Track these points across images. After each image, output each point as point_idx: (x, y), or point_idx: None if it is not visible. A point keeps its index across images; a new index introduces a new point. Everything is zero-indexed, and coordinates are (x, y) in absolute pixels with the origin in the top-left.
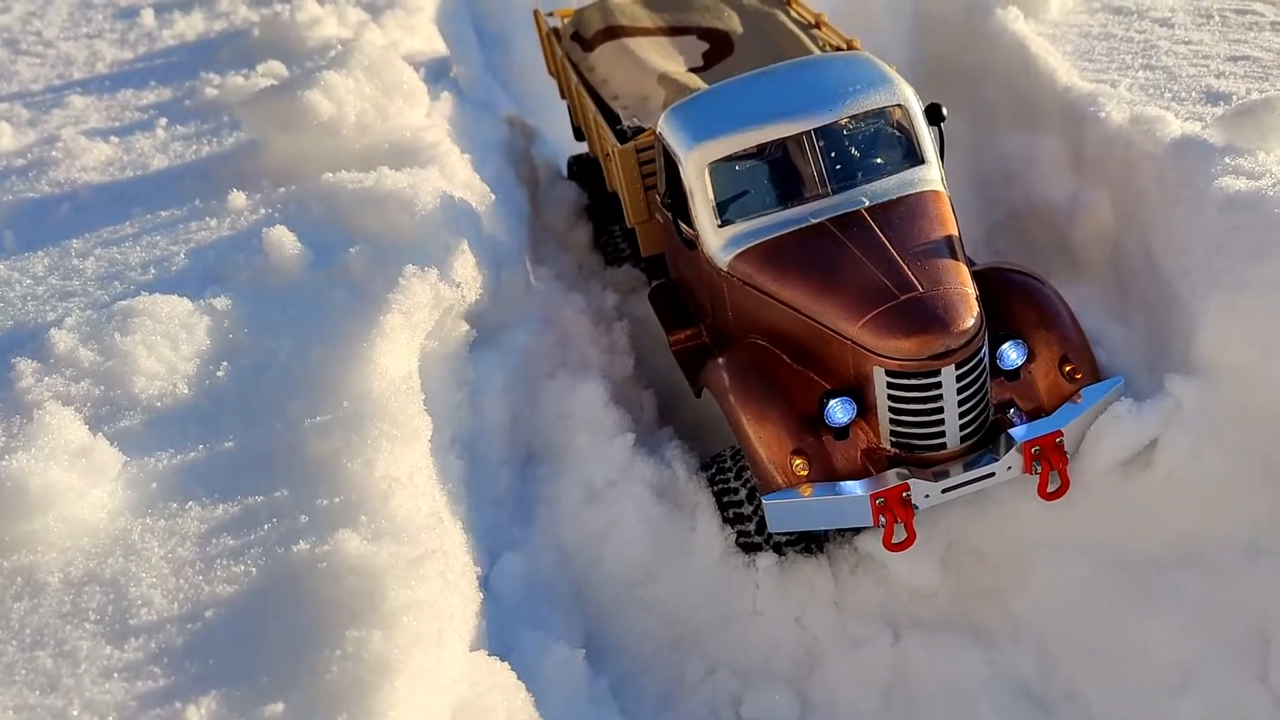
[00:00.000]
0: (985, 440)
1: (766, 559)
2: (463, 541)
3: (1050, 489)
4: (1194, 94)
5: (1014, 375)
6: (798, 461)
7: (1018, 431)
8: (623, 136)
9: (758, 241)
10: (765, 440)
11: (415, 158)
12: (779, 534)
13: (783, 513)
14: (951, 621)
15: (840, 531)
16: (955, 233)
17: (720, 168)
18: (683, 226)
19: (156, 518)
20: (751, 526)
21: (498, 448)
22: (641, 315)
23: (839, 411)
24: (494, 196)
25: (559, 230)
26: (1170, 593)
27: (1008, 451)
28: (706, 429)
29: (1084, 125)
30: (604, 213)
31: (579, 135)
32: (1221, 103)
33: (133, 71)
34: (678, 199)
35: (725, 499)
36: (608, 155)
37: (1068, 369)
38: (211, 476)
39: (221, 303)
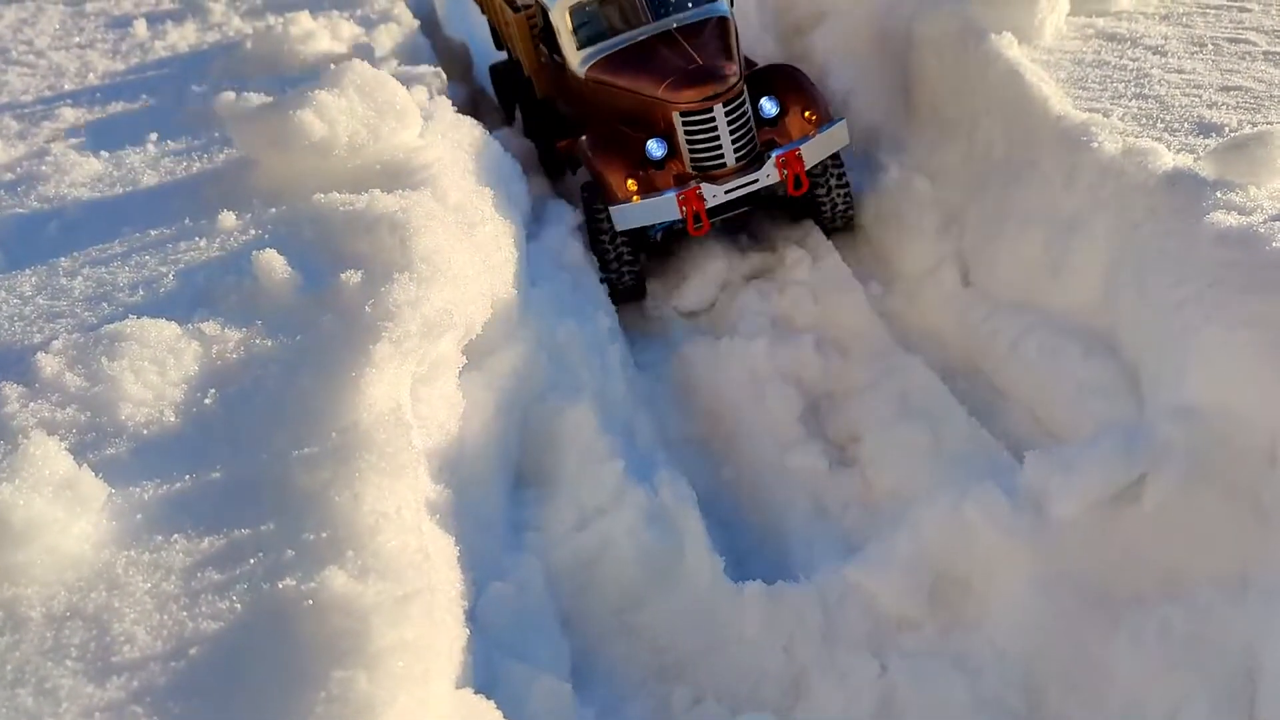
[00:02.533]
0: (755, 165)
1: (753, 587)
2: (450, 576)
3: (795, 188)
4: (1186, 125)
5: (773, 122)
6: (631, 184)
7: (773, 152)
8: (516, 10)
9: (603, 55)
10: (611, 175)
11: (408, 179)
12: (625, 268)
13: (623, 215)
14: (938, 652)
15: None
16: (733, 40)
17: (576, 11)
18: (556, 57)
19: (141, 550)
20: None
21: (487, 472)
22: (639, 340)
23: (655, 148)
24: (487, 218)
25: (554, 249)
26: (1157, 629)
27: (767, 165)
28: (702, 450)
29: (1078, 155)
30: (531, 112)
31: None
32: (1213, 134)
33: (124, 83)
34: (550, 38)
35: (593, 217)
36: (508, 25)
37: (807, 115)
38: (198, 508)
39: (210, 327)
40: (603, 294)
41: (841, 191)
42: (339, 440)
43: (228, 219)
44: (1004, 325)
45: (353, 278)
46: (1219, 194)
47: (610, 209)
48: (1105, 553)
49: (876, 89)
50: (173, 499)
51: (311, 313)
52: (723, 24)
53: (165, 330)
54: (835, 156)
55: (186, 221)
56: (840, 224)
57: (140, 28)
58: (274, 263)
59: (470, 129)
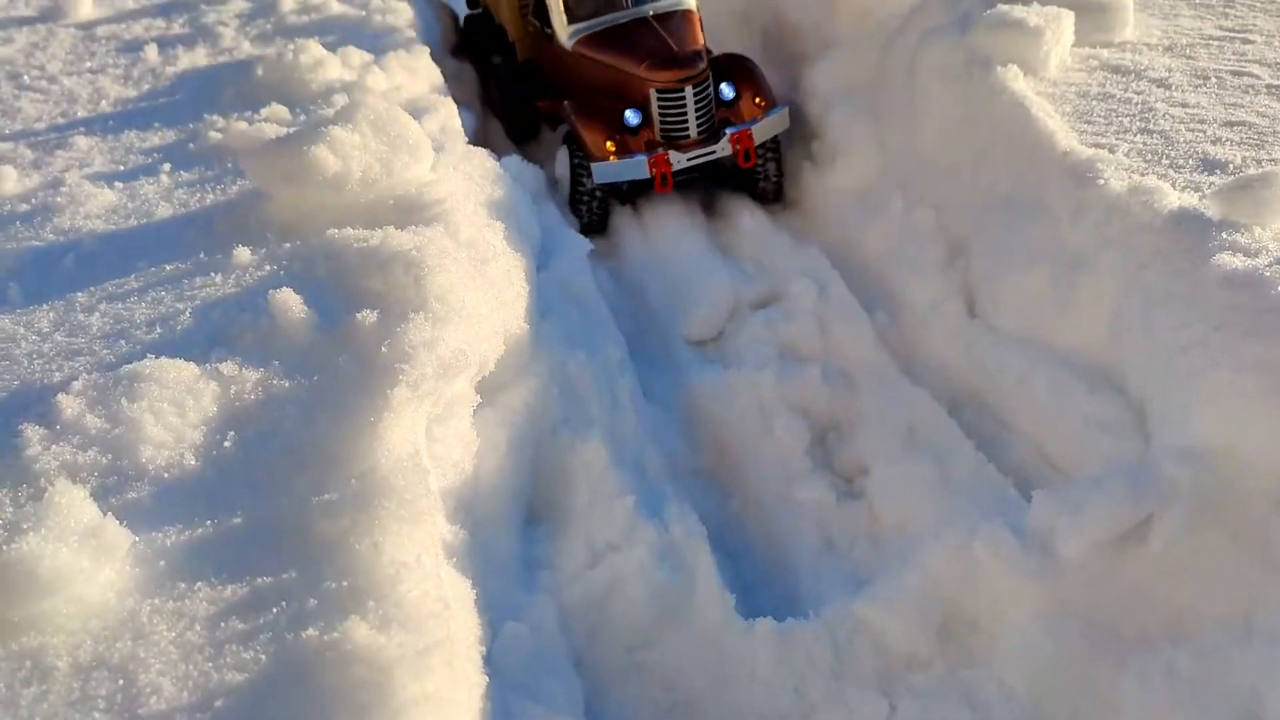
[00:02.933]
0: (713, 138)
1: (764, 625)
2: (468, 621)
3: (744, 161)
4: (1191, 161)
5: (730, 104)
6: (609, 145)
7: (728, 129)
8: None
9: (590, 32)
10: (593, 136)
11: (420, 214)
12: (596, 208)
13: (601, 170)
14: (947, 691)
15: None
16: (698, 29)
17: None
18: (546, 29)
19: (165, 599)
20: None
21: (500, 510)
22: (647, 370)
23: (632, 117)
24: (499, 253)
25: (564, 280)
26: (1163, 670)
27: (722, 140)
28: (710, 482)
29: (1084, 191)
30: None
31: (471, 4)
32: (1218, 171)
33: (136, 110)
34: (542, 11)
35: (575, 168)
36: None
37: (758, 100)
38: (220, 554)
39: (228, 367)
40: (612, 324)
41: (775, 167)
42: (358, 486)
43: (242, 254)
44: (1010, 359)
45: (368, 317)
46: (1224, 235)
47: (591, 165)
48: (1113, 592)
49: (880, 119)
50: (195, 545)
51: (328, 353)
52: (690, 15)
53: (184, 371)
54: (774, 138)
55: (201, 256)
56: (772, 195)
57: (151, 53)
58: (290, 302)
59: (481, 160)
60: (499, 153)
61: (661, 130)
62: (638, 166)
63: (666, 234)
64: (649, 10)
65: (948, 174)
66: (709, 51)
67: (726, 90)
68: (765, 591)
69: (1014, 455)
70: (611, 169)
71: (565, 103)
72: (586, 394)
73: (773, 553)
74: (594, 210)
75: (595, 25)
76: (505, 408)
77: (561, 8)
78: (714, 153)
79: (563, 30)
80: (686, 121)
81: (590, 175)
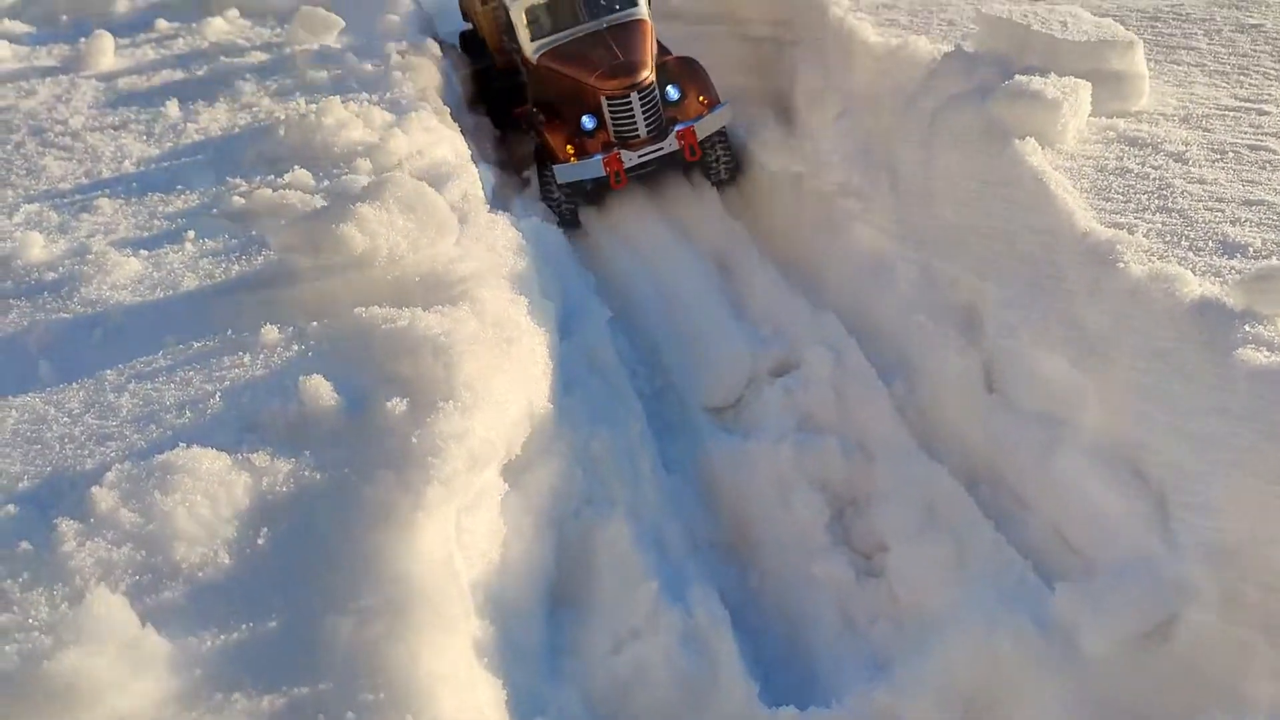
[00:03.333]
0: (661, 136)
1: (787, 714)
2: None
3: (690, 155)
4: (1210, 243)
5: (676, 104)
6: (569, 148)
7: (675, 127)
8: (484, 2)
9: (551, 46)
10: (555, 140)
11: (447, 293)
12: (564, 204)
13: (563, 171)
14: None
15: None
16: (648, 41)
17: (529, 10)
18: (513, 44)
19: (203, 711)
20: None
21: (526, 599)
22: (665, 436)
23: (588, 122)
24: (524, 330)
25: (586, 351)
26: None
27: (669, 137)
28: (729, 556)
29: (1104, 273)
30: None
31: (465, 18)
32: (1238, 255)
33: (159, 171)
34: (510, 31)
35: (542, 172)
36: (477, 14)
37: (701, 100)
38: (256, 662)
39: (259, 458)
40: (633, 396)
41: (725, 155)
42: (392, 592)
43: (270, 333)
44: (1028, 437)
45: (398, 406)
46: (1247, 327)
47: (554, 167)
48: (1137, 687)
49: (896, 185)
50: (230, 652)
51: (359, 443)
52: (641, 25)
53: (216, 462)
54: (721, 131)
55: (229, 334)
56: (725, 178)
57: (173, 108)
58: (320, 389)
59: (504, 230)
60: (519, 203)
61: (614, 132)
62: (594, 166)
63: (682, 293)
64: (604, 23)
65: (964, 243)
66: (663, 50)
67: (672, 92)
68: (785, 672)
69: (1033, 536)
70: (571, 170)
71: (532, 110)
72: (609, 471)
73: (792, 630)
74: (564, 207)
75: (555, 40)
76: (530, 490)
77: (525, 24)
78: (662, 149)
79: (528, 45)
80: (635, 123)
81: (554, 176)
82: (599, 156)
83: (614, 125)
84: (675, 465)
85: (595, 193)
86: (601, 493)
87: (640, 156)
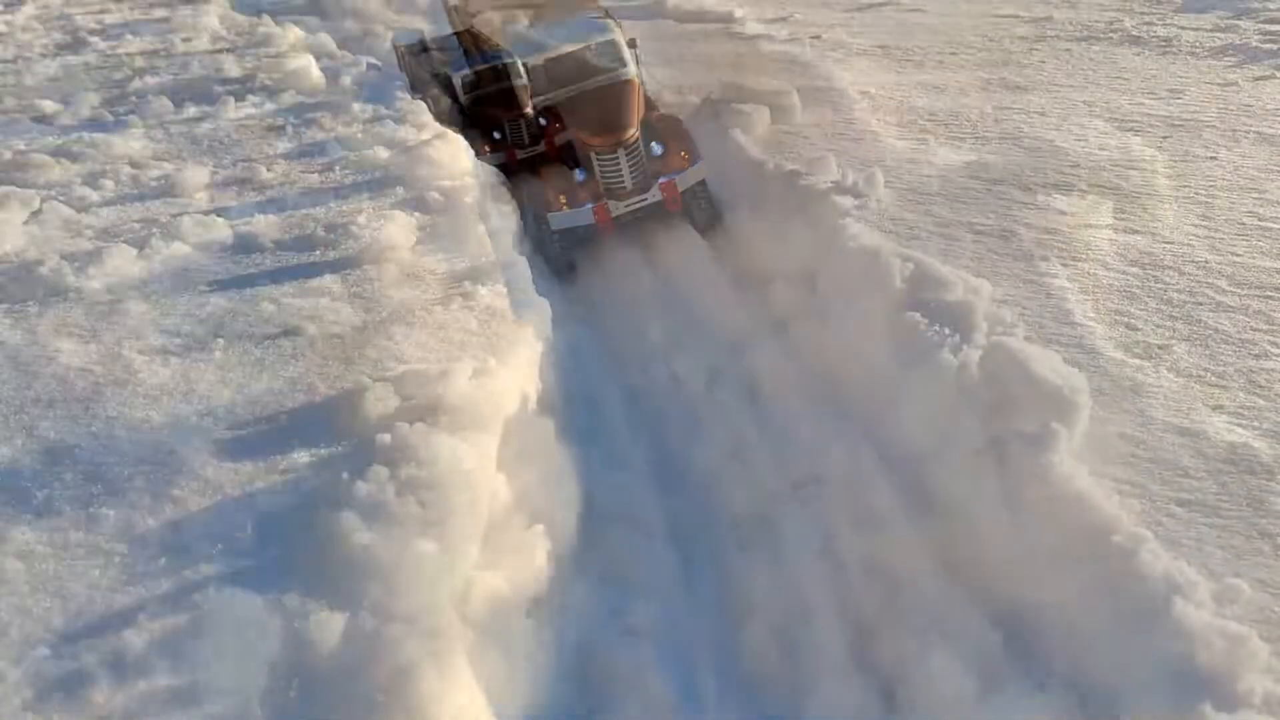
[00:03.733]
0: (645, 188)
1: None
2: None
3: (671, 205)
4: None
5: (661, 158)
6: (562, 198)
7: (658, 179)
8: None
9: (546, 103)
10: (549, 191)
11: None
12: (563, 247)
13: (556, 219)
14: None
15: None
16: (635, 100)
17: (532, 69)
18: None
19: None
20: (547, 236)
21: None
22: (689, 550)
23: (578, 174)
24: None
25: (610, 452)
26: None
27: (653, 188)
28: (754, 686)
29: None
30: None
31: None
32: None
33: (187, 268)
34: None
35: (536, 217)
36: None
37: (682, 154)
38: None
39: (290, 599)
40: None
41: (705, 204)
42: None
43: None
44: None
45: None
46: None
47: (549, 215)
48: None
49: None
50: None
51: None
52: (629, 85)
53: (249, 605)
54: (702, 183)
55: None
56: (706, 227)
57: (201, 198)
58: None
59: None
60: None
61: (603, 184)
62: (584, 214)
63: (714, 414)
64: (595, 83)
65: None
66: (651, 106)
67: (656, 148)
68: None
69: (1055, 672)
70: (564, 217)
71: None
72: (633, 588)
73: None
74: (560, 254)
75: (550, 99)
76: (554, 624)
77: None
78: (646, 199)
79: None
80: (622, 176)
81: (549, 224)
82: (589, 205)
83: (603, 178)
84: (698, 586)
85: (583, 240)
86: (628, 612)
87: (626, 206)
